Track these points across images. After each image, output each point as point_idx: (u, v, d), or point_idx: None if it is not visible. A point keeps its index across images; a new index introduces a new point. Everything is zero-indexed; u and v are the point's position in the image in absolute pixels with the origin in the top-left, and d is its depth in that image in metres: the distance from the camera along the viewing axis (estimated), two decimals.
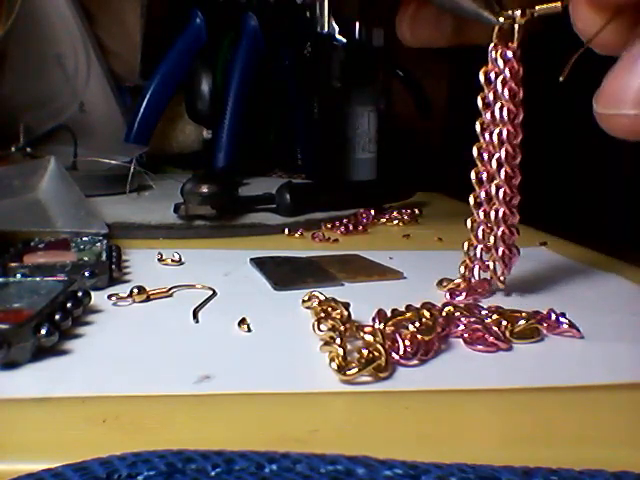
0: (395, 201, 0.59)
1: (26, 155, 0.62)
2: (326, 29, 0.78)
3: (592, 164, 0.75)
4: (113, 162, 0.61)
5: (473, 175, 0.31)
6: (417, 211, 0.57)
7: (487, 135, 0.30)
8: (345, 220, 0.52)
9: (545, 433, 0.19)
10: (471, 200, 0.31)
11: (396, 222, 0.54)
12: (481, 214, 0.31)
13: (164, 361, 0.24)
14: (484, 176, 0.31)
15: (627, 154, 0.70)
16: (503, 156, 0.30)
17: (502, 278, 0.32)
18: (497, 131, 0.30)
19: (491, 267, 0.32)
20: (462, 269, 0.32)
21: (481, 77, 0.30)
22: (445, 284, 0.33)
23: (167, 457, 0.15)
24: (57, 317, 0.24)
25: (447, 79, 0.96)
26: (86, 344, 0.25)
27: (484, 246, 0.32)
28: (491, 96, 0.30)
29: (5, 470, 0.16)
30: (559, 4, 0.23)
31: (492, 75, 0.30)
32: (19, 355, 0.22)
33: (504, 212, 0.30)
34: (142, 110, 0.73)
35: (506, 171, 0.30)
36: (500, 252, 0.31)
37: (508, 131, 0.29)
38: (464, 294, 0.32)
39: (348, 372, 0.22)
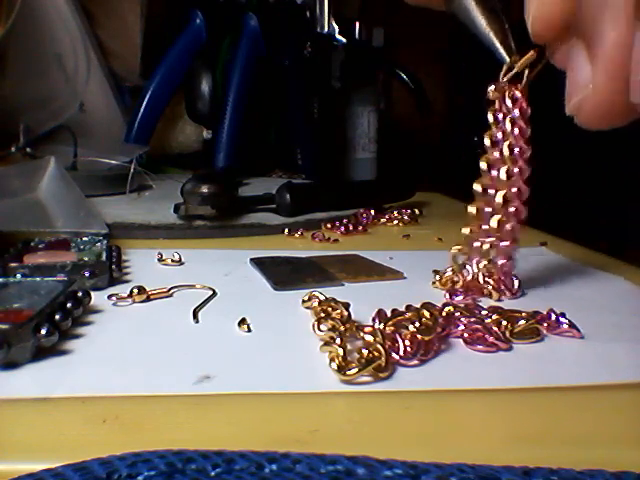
0: (395, 201, 0.59)
1: (26, 155, 0.62)
2: (326, 29, 0.78)
3: (592, 164, 0.75)
4: (113, 162, 0.61)
5: (474, 211, 0.31)
6: (417, 211, 0.57)
7: (494, 171, 0.30)
8: (345, 220, 0.52)
9: (545, 433, 0.19)
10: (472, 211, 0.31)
11: (396, 222, 0.54)
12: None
13: (164, 361, 0.24)
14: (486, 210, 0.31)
15: (627, 154, 0.70)
16: (514, 191, 0.30)
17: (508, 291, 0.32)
18: (505, 168, 0.30)
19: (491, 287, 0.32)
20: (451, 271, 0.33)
21: (489, 117, 0.30)
22: (439, 278, 0.34)
23: (167, 457, 0.15)
24: (57, 317, 0.24)
25: (447, 79, 0.96)
26: (86, 344, 0.25)
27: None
28: (500, 135, 0.30)
29: (5, 470, 0.16)
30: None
31: (500, 116, 0.30)
32: (19, 355, 0.22)
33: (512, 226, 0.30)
34: (142, 110, 0.73)
35: (516, 207, 0.30)
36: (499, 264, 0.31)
37: (520, 168, 0.30)
38: (462, 296, 0.32)
39: (348, 372, 0.22)
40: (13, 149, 0.62)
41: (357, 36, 0.80)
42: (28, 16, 0.69)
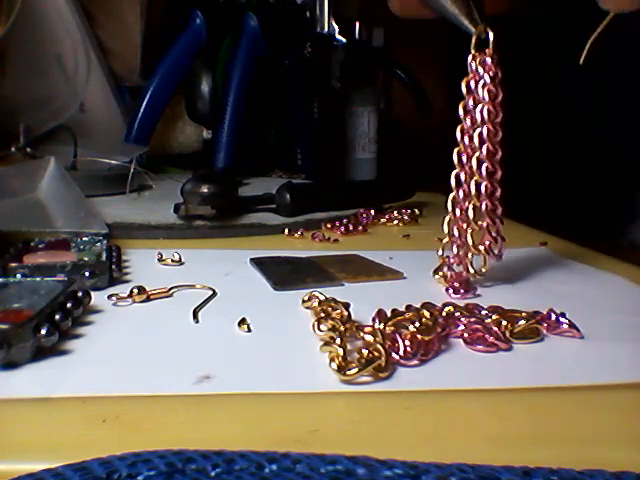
0: (395, 201, 0.59)
1: (26, 155, 0.62)
2: (326, 29, 0.78)
3: (592, 164, 0.75)
4: (113, 162, 0.61)
5: (453, 177, 0.33)
6: (417, 211, 0.57)
7: (467, 139, 0.32)
8: (345, 220, 0.52)
9: (545, 433, 0.19)
10: (449, 201, 0.33)
11: (396, 222, 0.54)
12: (457, 212, 0.33)
13: (164, 361, 0.24)
14: (462, 176, 0.32)
15: (627, 154, 0.70)
16: (484, 154, 0.31)
17: (483, 270, 0.33)
18: (477, 132, 0.31)
19: (468, 262, 0.33)
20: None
21: (463, 87, 0.32)
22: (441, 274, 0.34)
23: (167, 457, 0.15)
24: (57, 317, 0.24)
25: (446, 79, 0.96)
26: (86, 344, 0.25)
27: (460, 243, 0.33)
28: (471, 102, 0.32)
29: (5, 470, 0.16)
30: None
31: (472, 83, 0.32)
32: (19, 355, 0.22)
33: (486, 204, 0.32)
34: (142, 110, 0.73)
35: (487, 167, 0.31)
36: (486, 244, 0.32)
37: (488, 130, 0.31)
38: (462, 290, 0.32)
39: (348, 372, 0.22)
40: (13, 149, 0.62)
41: (357, 36, 0.80)
42: (28, 16, 0.69)
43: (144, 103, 0.73)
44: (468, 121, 0.32)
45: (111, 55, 0.79)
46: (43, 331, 0.23)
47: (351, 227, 0.50)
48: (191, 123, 0.81)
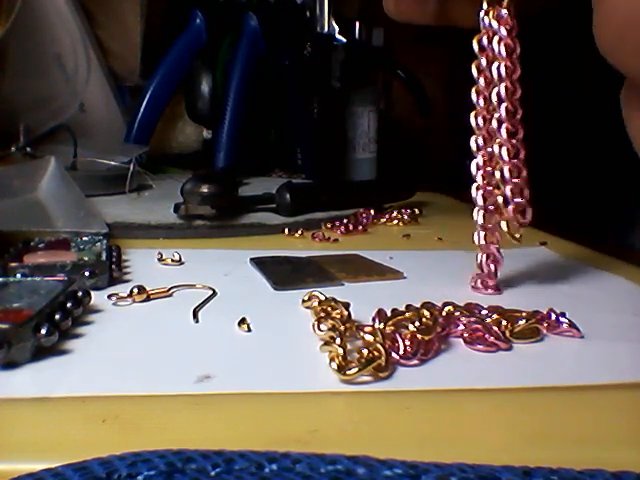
0: (395, 201, 0.59)
1: (26, 155, 0.62)
2: (326, 29, 0.78)
3: (592, 164, 0.75)
4: (113, 162, 0.61)
5: (473, 142, 0.31)
6: (417, 211, 0.57)
7: (482, 100, 0.31)
8: (345, 220, 0.52)
9: (545, 433, 0.19)
10: (473, 167, 0.31)
11: (396, 222, 0.54)
12: (480, 179, 0.31)
13: (164, 361, 0.24)
14: (480, 141, 0.31)
15: (627, 154, 0.70)
16: (504, 114, 0.30)
17: (517, 236, 0.31)
18: (495, 90, 0.30)
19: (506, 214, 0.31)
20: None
21: (475, 45, 0.30)
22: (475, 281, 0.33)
23: (167, 457, 0.15)
24: (57, 317, 0.24)
25: (447, 79, 0.96)
26: (86, 344, 0.25)
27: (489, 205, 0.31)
28: (484, 61, 0.30)
29: (5, 470, 0.16)
30: None
31: (485, 41, 0.30)
32: (19, 355, 0.22)
33: (509, 168, 0.30)
34: (142, 110, 0.73)
35: (507, 128, 0.30)
36: (510, 210, 0.30)
37: (507, 87, 0.30)
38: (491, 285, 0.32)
39: (348, 372, 0.22)
40: (13, 149, 0.62)
41: (357, 36, 0.80)
42: (28, 16, 0.69)
43: (144, 103, 0.73)
44: (482, 81, 0.30)
45: (111, 55, 0.79)
46: (43, 331, 0.23)
47: (351, 227, 0.50)
48: (191, 123, 0.81)
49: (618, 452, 0.18)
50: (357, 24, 0.79)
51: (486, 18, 0.30)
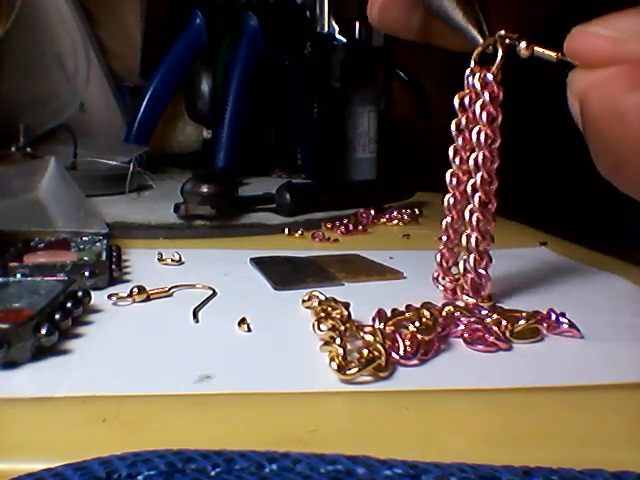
0: (395, 201, 0.59)
1: (26, 155, 0.62)
2: (326, 29, 0.78)
3: (592, 164, 0.75)
4: (113, 162, 0.61)
5: (445, 201, 0.31)
6: (417, 211, 0.57)
7: (458, 160, 0.30)
8: (345, 220, 0.52)
9: (545, 433, 0.19)
10: (443, 223, 0.31)
11: (396, 222, 0.54)
12: (444, 238, 0.31)
13: (164, 361, 0.24)
14: (452, 200, 0.30)
15: None
16: (478, 181, 0.29)
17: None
18: (473, 155, 0.29)
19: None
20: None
21: (456, 102, 0.29)
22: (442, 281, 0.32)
23: (167, 457, 0.15)
24: (57, 317, 0.24)
25: (447, 79, 0.96)
26: (86, 344, 0.25)
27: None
28: (464, 121, 0.29)
29: (5, 470, 0.16)
30: (554, 55, 0.23)
31: (467, 100, 0.29)
32: (19, 355, 0.22)
33: (476, 237, 0.29)
34: (142, 110, 0.73)
35: (480, 197, 0.29)
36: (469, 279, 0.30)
37: (484, 155, 0.28)
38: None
39: (348, 372, 0.22)
40: (13, 149, 0.62)
41: (357, 36, 0.80)
42: (28, 16, 0.69)
43: (144, 103, 0.73)
44: (460, 141, 0.29)
45: (111, 55, 0.79)
46: (43, 331, 0.23)
47: (351, 227, 0.50)
48: (191, 123, 0.81)
49: (618, 452, 0.18)
50: (357, 24, 0.79)
51: (471, 77, 0.28)
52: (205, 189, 0.47)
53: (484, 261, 0.30)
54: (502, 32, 0.26)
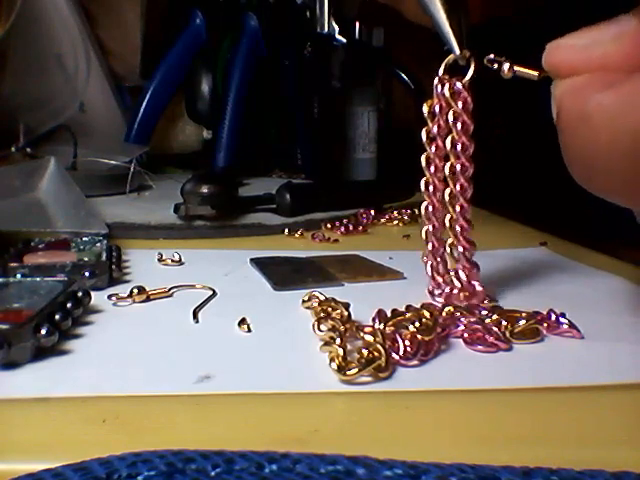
0: (395, 201, 0.59)
1: (26, 155, 0.62)
2: (326, 29, 0.78)
3: None
4: (113, 162, 0.61)
5: (423, 209, 0.31)
6: (417, 211, 0.57)
7: (432, 168, 0.30)
8: (345, 220, 0.52)
9: (545, 433, 0.19)
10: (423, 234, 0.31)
11: (396, 222, 0.54)
12: (429, 247, 0.31)
13: (164, 361, 0.24)
14: (430, 208, 0.30)
15: None
16: (458, 189, 0.29)
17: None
18: (449, 165, 0.29)
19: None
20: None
21: (425, 110, 0.29)
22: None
23: (167, 457, 0.15)
24: (57, 317, 0.24)
25: None
26: (86, 344, 0.25)
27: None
28: (435, 129, 0.29)
29: (5, 470, 0.16)
30: (536, 74, 0.23)
31: (437, 108, 0.29)
32: (19, 355, 0.22)
33: (463, 246, 0.29)
34: (142, 110, 0.73)
35: (462, 205, 0.29)
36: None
37: (462, 165, 0.29)
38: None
39: (348, 372, 0.22)
40: (13, 149, 0.62)
41: (357, 36, 0.80)
42: (28, 16, 0.69)
43: (144, 103, 0.72)
44: (433, 148, 0.29)
45: (111, 55, 0.79)
46: (43, 331, 0.23)
47: (351, 227, 0.50)
48: (191, 123, 0.81)
49: (618, 452, 0.18)
50: (357, 24, 0.79)
51: (439, 86, 0.29)
52: (205, 189, 0.47)
53: (474, 270, 0.30)
54: (491, 56, 0.26)
